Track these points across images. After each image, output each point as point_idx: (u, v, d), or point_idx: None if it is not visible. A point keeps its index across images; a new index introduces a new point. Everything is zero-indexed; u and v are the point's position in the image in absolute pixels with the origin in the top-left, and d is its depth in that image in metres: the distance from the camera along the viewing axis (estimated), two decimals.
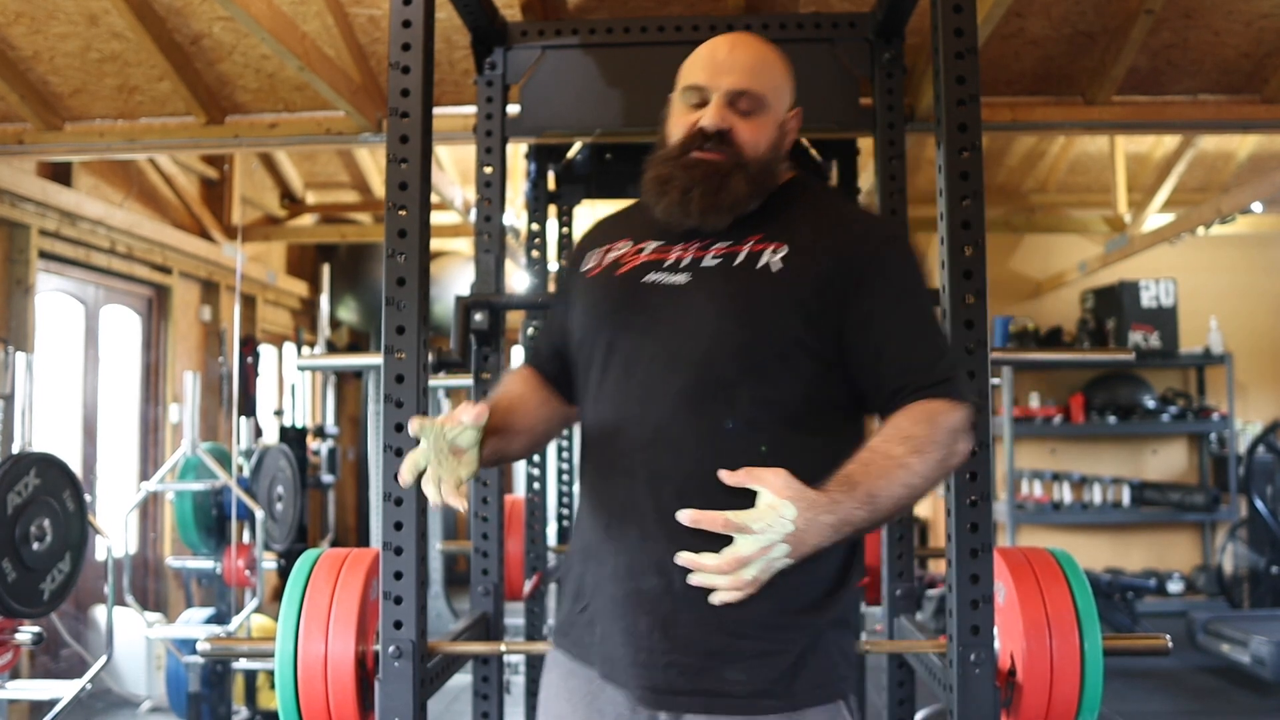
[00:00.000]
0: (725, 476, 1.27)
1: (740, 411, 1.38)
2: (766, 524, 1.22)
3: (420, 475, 1.34)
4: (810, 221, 1.46)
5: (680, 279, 1.43)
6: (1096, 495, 7.13)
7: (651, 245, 1.49)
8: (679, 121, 1.48)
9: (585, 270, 1.55)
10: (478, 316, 2.41)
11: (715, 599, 1.26)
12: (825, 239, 1.43)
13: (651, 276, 1.45)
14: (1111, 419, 7.06)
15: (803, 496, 1.23)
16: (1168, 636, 1.96)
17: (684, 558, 1.27)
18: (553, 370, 1.63)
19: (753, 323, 1.38)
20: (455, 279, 7.20)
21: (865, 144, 3.46)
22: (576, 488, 3.57)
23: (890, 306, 1.41)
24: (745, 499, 1.27)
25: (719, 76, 1.44)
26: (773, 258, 1.41)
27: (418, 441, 1.33)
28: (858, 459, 1.30)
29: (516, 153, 4.73)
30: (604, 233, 1.60)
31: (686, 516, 1.25)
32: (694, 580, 1.26)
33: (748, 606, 1.29)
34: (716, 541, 1.27)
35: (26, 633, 2.81)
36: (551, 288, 3.64)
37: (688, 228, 1.46)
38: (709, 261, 1.43)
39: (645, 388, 1.41)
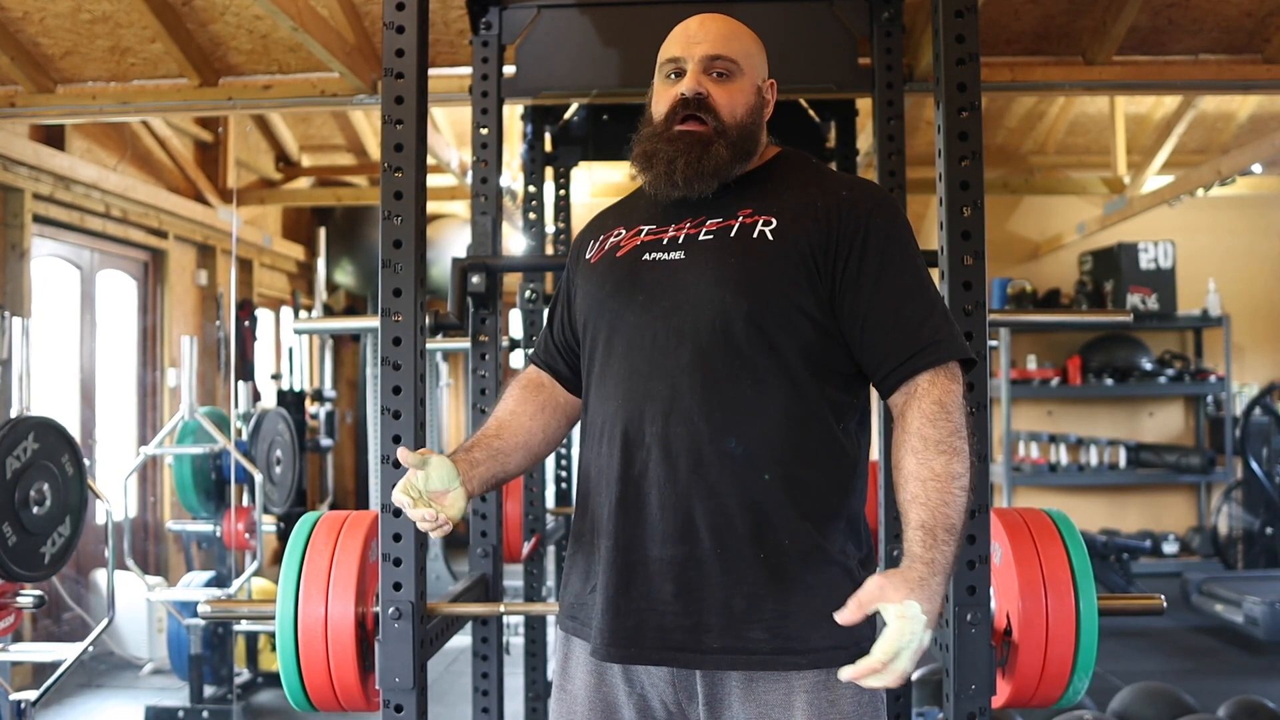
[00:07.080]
0: (841, 617, 1.26)
1: (747, 380, 1.40)
2: (910, 633, 1.23)
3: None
4: (797, 193, 1.48)
5: (677, 255, 1.47)
6: (1093, 457, 7.16)
7: (646, 228, 1.53)
8: (661, 98, 1.53)
9: (588, 258, 1.59)
10: (474, 279, 2.40)
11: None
12: (813, 207, 1.45)
13: (648, 255, 1.49)
14: (1108, 381, 7.07)
15: (918, 587, 1.25)
16: (1162, 597, 1.98)
17: (845, 674, 1.25)
18: (558, 365, 1.65)
19: (752, 290, 1.41)
20: (452, 242, 7.17)
21: (864, 104, 3.43)
22: (575, 450, 3.58)
23: (876, 272, 1.42)
24: (760, 444, 1.38)
25: (692, 47, 1.51)
26: (765, 229, 1.44)
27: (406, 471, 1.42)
28: (912, 497, 1.33)
29: (513, 114, 4.69)
30: (600, 224, 1.65)
31: (846, 674, 1.24)
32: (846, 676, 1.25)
33: (764, 570, 1.37)
34: (744, 497, 1.37)
35: (28, 596, 2.82)
36: (549, 250, 3.62)
37: (677, 206, 1.51)
38: (703, 237, 1.47)
39: (651, 363, 1.43)
